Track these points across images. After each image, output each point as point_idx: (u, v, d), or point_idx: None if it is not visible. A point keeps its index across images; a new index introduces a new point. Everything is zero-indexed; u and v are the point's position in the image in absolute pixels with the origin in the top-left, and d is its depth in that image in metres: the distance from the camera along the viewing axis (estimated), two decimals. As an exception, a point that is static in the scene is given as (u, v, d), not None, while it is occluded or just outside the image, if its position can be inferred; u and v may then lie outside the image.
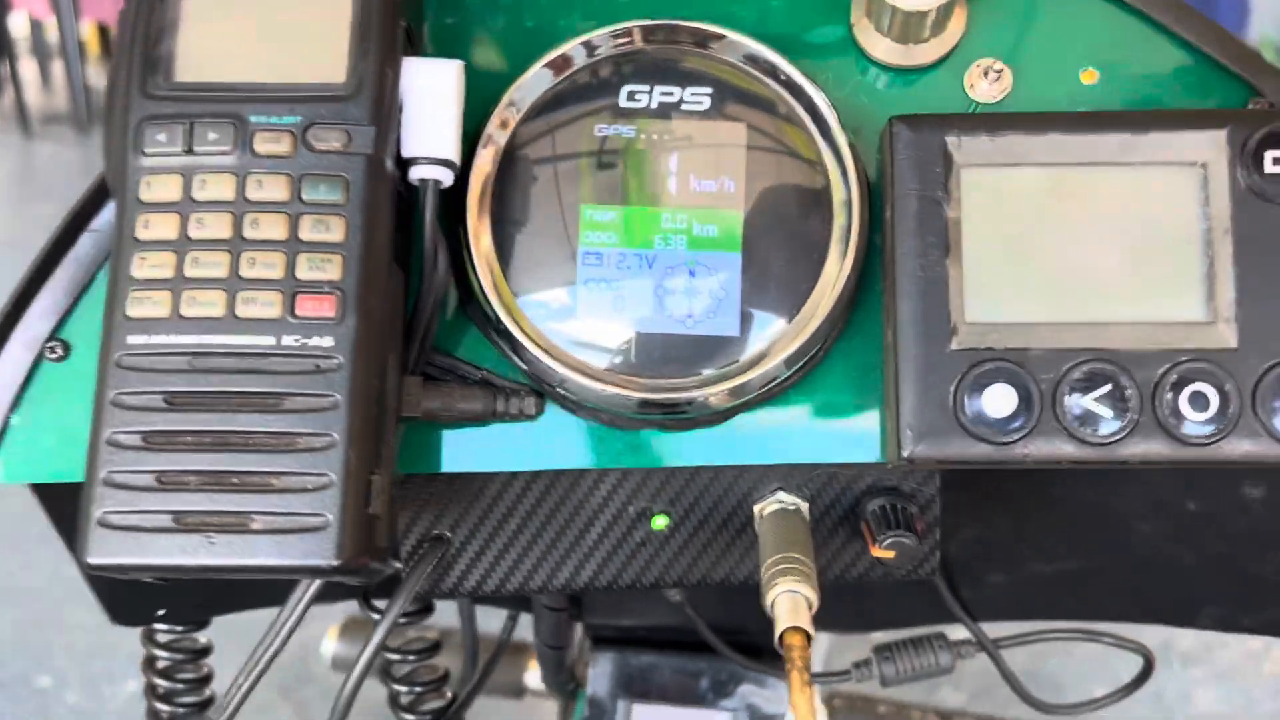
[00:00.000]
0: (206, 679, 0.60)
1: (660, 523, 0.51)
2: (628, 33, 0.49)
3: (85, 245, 0.48)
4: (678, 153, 0.48)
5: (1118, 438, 0.45)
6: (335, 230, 0.41)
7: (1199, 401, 0.44)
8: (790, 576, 0.45)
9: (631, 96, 0.49)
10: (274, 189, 0.41)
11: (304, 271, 0.40)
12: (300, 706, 1.73)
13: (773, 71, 0.48)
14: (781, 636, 0.43)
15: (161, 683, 0.61)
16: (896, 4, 0.47)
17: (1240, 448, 0.44)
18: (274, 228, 0.40)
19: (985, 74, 0.49)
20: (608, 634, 0.74)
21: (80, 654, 2.06)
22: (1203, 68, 0.50)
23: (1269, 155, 0.46)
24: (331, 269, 0.40)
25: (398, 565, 0.47)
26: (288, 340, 0.40)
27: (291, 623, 0.46)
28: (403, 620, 0.62)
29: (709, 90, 0.49)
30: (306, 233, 0.41)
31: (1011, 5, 0.50)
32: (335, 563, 0.39)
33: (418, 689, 0.64)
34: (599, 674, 0.75)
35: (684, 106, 0.49)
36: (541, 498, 0.51)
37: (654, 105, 0.49)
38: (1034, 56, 0.50)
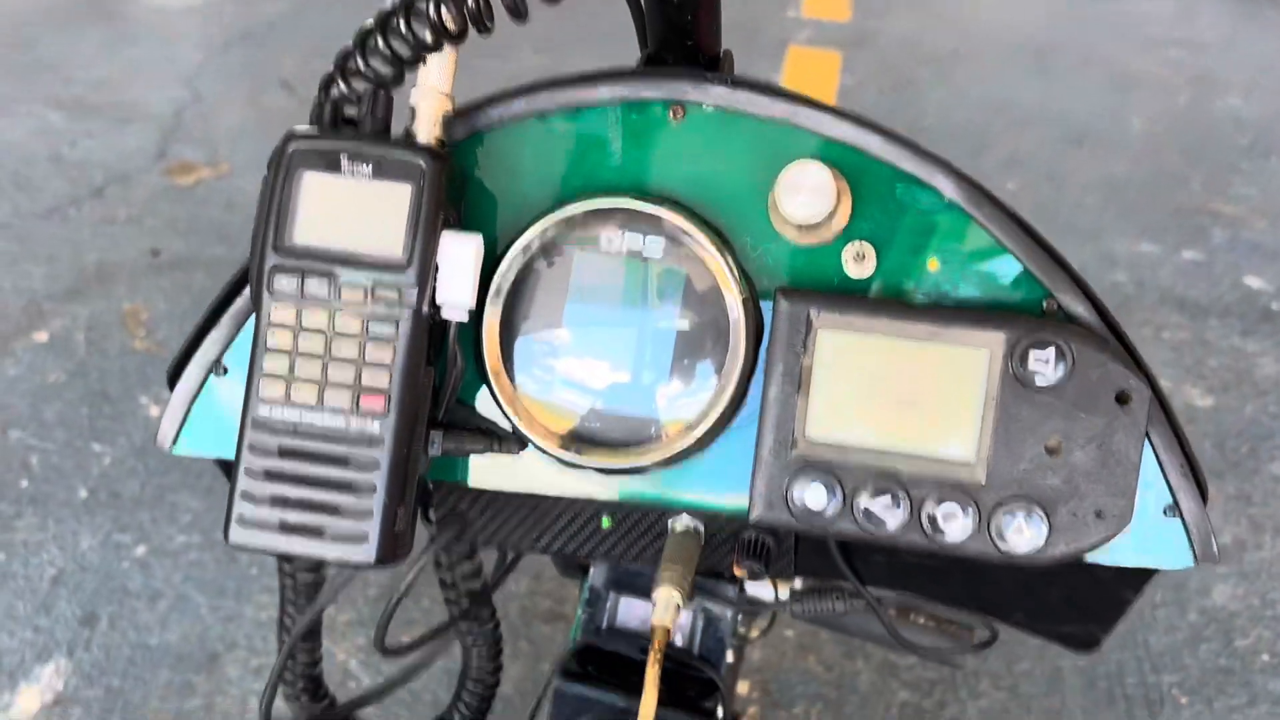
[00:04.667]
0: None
1: (606, 523, 0.76)
2: (609, 207, 0.69)
3: (238, 304, 0.73)
4: (630, 286, 0.70)
5: (892, 531, 0.66)
6: (387, 354, 0.64)
7: (949, 516, 0.66)
8: (670, 583, 0.69)
9: (607, 241, 0.70)
10: (351, 324, 0.64)
11: (366, 380, 0.64)
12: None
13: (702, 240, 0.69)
14: (654, 626, 0.68)
15: None
16: (788, 218, 0.66)
17: (972, 548, 0.66)
18: (349, 349, 0.64)
19: (855, 256, 0.69)
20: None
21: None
22: (1016, 268, 0.68)
23: (1032, 355, 0.65)
24: (383, 379, 0.64)
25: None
26: (353, 425, 0.64)
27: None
28: (455, 558, 0.88)
29: (663, 243, 0.70)
30: (369, 354, 0.64)
31: (883, 210, 0.69)
32: (370, 561, 0.64)
33: (460, 573, 0.91)
34: (598, 572, 1.01)
35: (644, 254, 0.70)
36: (526, 499, 0.76)
37: (623, 249, 0.70)
38: (895, 246, 0.69)
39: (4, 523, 2.20)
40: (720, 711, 0.95)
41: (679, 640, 1.00)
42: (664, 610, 0.68)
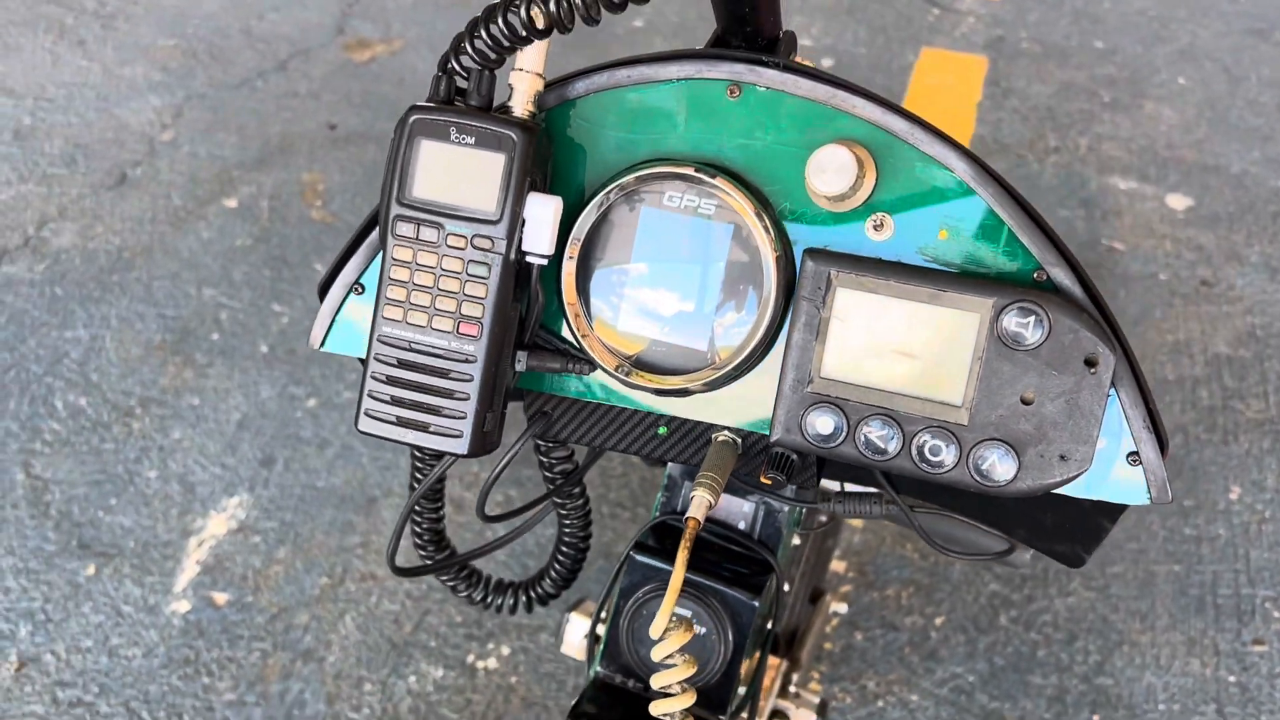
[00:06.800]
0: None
1: (662, 431, 0.91)
2: (672, 172, 0.83)
3: (372, 237, 0.90)
4: (687, 237, 0.84)
5: (887, 458, 0.80)
6: (481, 290, 0.80)
7: (935, 450, 0.79)
8: (704, 487, 0.85)
9: (669, 198, 0.84)
10: (454, 264, 0.80)
11: (465, 310, 0.81)
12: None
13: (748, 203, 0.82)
14: (687, 519, 0.84)
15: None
16: (816, 192, 0.79)
17: (953, 477, 0.79)
18: (452, 285, 0.81)
19: (875, 225, 0.80)
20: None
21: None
22: (1014, 241, 0.78)
23: (1015, 320, 0.76)
24: (478, 310, 0.80)
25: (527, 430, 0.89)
26: (453, 344, 0.81)
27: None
28: (550, 445, 1.04)
29: (715, 204, 0.83)
30: (468, 290, 0.80)
31: (903, 185, 0.80)
32: (464, 452, 0.82)
33: (554, 458, 1.09)
34: (674, 466, 1.17)
35: (699, 210, 0.83)
36: (597, 407, 0.92)
37: (682, 206, 0.84)
38: (910, 216, 0.80)
39: (198, 370, 2.50)
40: (772, 586, 1.11)
41: (741, 525, 1.15)
42: (696, 508, 0.83)
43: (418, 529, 1.10)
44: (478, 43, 0.79)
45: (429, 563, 1.13)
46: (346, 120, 3.32)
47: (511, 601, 1.19)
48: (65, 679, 1.93)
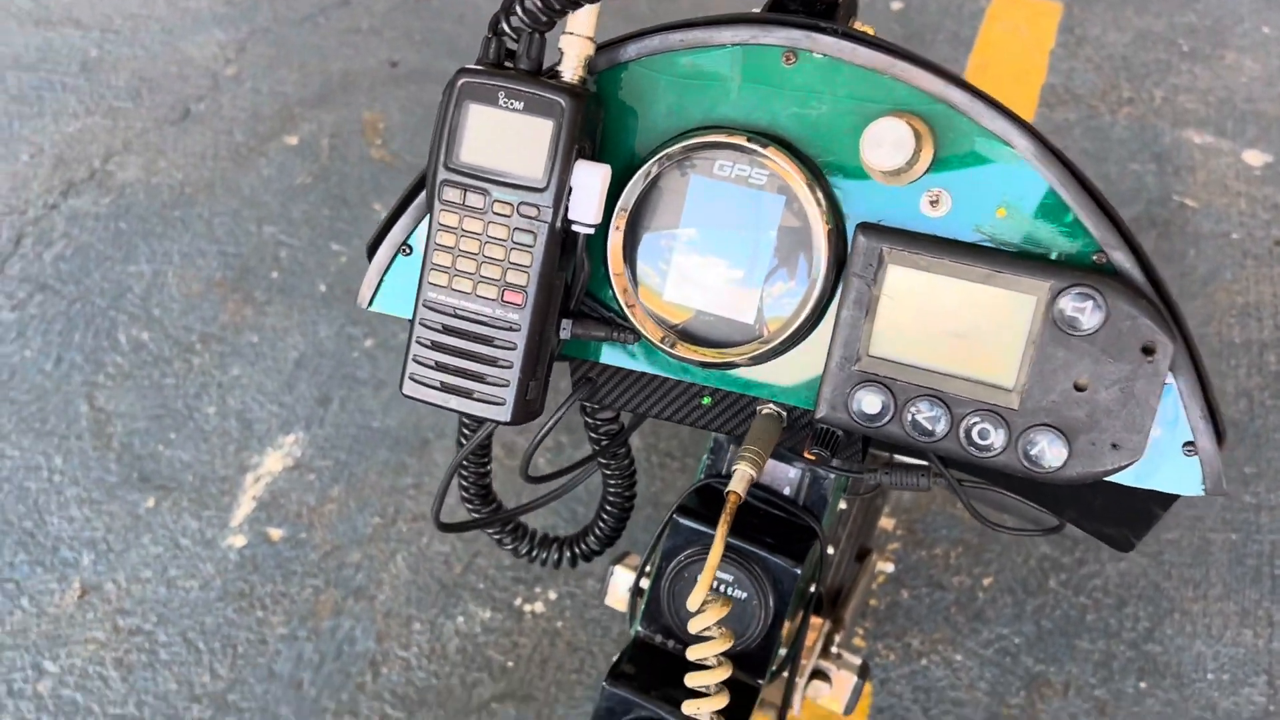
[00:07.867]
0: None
1: (706, 401, 0.90)
2: (723, 141, 0.81)
3: (420, 198, 0.89)
4: (738, 207, 0.82)
5: (934, 440, 0.78)
6: (526, 259, 0.79)
7: (984, 433, 0.77)
8: (746, 460, 0.84)
9: (719, 167, 0.82)
10: (500, 231, 0.80)
11: (509, 278, 0.80)
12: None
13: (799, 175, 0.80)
14: (728, 493, 0.83)
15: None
16: (871, 166, 0.76)
17: (1001, 461, 0.77)
18: (497, 252, 0.80)
19: (931, 201, 0.78)
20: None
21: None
22: (1075, 222, 0.76)
23: (1071, 304, 0.74)
24: (522, 279, 0.80)
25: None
26: (497, 312, 0.81)
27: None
28: (595, 407, 1.03)
29: (766, 174, 0.81)
30: (513, 258, 0.80)
31: (961, 160, 0.77)
32: (506, 420, 0.82)
33: (599, 419, 1.09)
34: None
35: (750, 180, 0.82)
36: (641, 375, 0.91)
37: (733, 175, 0.82)
38: (968, 193, 0.78)
39: (258, 308, 2.53)
40: (816, 552, 1.11)
41: (787, 491, 1.14)
42: (737, 482, 0.83)
43: (465, 484, 1.11)
44: (528, 3, 0.78)
45: (476, 517, 1.14)
46: (408, 58, 3.31)
47: (556, 556, 1.20)
48: (125, 607, 1.99)
